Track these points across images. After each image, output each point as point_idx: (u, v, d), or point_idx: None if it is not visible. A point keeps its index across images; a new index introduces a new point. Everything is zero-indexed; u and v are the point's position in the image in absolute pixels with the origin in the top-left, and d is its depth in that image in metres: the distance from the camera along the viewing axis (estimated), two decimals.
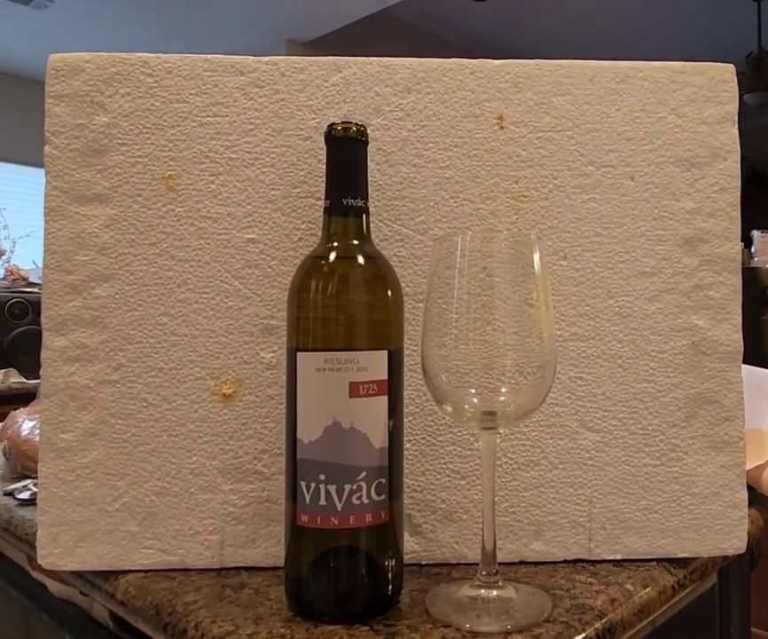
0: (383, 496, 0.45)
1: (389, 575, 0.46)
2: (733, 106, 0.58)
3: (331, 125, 0.48)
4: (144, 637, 0.52)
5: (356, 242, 0.48)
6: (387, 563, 0.46)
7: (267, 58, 0.56)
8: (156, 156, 0.55)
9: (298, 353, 0.46)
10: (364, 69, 0.56)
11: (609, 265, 0.56)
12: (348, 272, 0.48)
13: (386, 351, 0.46)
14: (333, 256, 0.48)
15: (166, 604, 0.47)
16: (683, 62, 0.58)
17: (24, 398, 2.00)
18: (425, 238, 0.56)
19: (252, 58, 0.56)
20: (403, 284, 0.55)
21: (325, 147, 0.49)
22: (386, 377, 0.46)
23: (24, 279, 2.38)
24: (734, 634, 0.73)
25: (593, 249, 0.56)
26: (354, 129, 0.48)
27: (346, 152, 0.48)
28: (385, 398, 0.46)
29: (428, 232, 0.56)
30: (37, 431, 0.82)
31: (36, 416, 0.85)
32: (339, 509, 0.44)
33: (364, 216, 0.48)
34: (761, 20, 4.18)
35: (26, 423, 0.83)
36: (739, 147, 0.58)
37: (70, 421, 0.53)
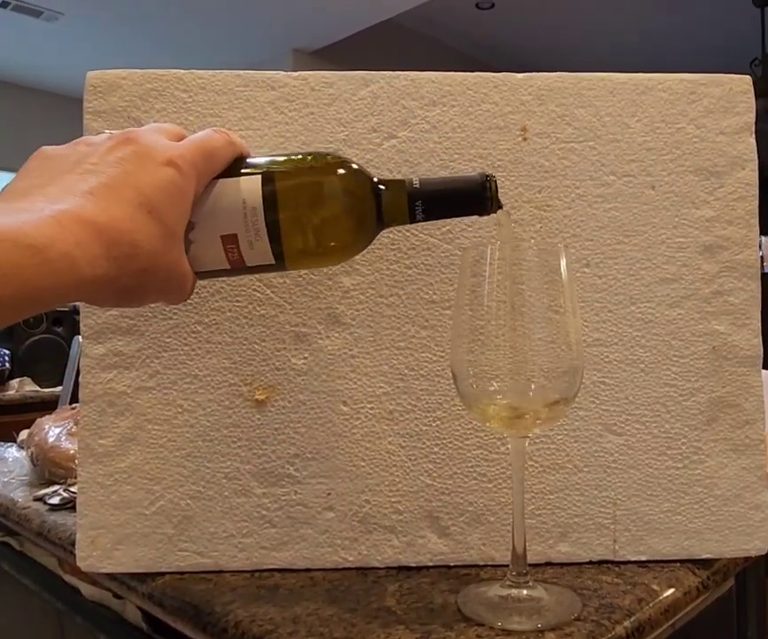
0: None
1: None
2: (751, 117, 0.59)
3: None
4: (177, 637, 0.53)
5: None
6: None
7: (297, 73, 0.58)
8: None
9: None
10: (391, 83, 0.58)
11: (631, 272, 0.58)
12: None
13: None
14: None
15: (204, 605, 0.49)
16: (701, 74, 0.60)
17: (39, 406, 2.03)
18: (451, 246, 0.57)
19: (282, 73, 0.58)
20: (430, 292, 0.57)
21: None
22: None
23: None
24: (752, 637, 0.74)
25: (615, 257, 0.58)
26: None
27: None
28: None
29: (454, 241, 0.57)
30: (64, 438, 0.84)
31: (62, 423, 0.87)
32: None
33: None
34: (765, 26, 4.20)
35: (52, 430, 0.85)
36: (756, 157, 0.59)
37: (108, 426, 0.55)
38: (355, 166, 0.47)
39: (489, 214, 0.50)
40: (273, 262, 0.45)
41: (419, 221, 0.48)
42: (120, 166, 0.38)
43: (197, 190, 0.42)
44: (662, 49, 4.58)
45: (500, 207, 0.49)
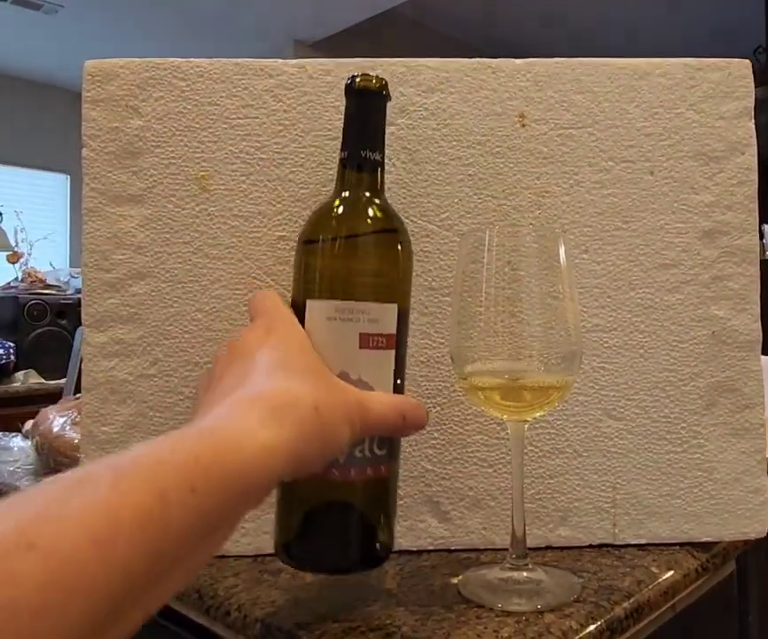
0: (384, 451, 0.45)
1: (385, 529, 0.47)
2: (750, 101, 0.59)
3: (353, 76, 0.48)
4: (181, 621, 0.53)
5: (368, 194, 0.47)
6: (382, 517, 0.46)
7: (294, 60, 0.58)
8: (189, 158, 0.57)
9: (307, 302, 0.45)
10: (389, 70, 0.58)
11: (630, 258, 0.58)
12: (364, 223, 0.47)
13: (395, 306, 0.46)
14: (348, 205, 0.47)
15: (208, 589, 0.49)
16: (700, 58, 0.60)
17: (44, 398, 2.04)
18: (450, 233, 0.57)
19: (280, 61, 0.58)
20: (429, 279, 0.57)
21: (345, 100, 0.48)
22: (394, 332, 0.46)
23: (41, 281, 2.41)
24: (753, 621, 0.74)
25: (614, 243, 0.58)
26: (374, 81, 0.47)
27: (366, 104, 0.47)
28: (392, 353, 0.46)
29: (453, 227, 0.57)
30: (68, 427, 0.84)
31: (67, 413, 0.87)
32: (340, 462, 0.43)
33: (379, 170, 0.48)
34: None
35: (57, 420, 0.85)
36: (755, 141, 0.59)
37: (110, 414, 0.55)
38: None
39: None
40: None
41: None
42: None
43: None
44: (664, 37, 4.56)
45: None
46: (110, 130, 0.56)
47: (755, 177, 0.59)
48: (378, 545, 0.46)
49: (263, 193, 0.57)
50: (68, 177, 5.07)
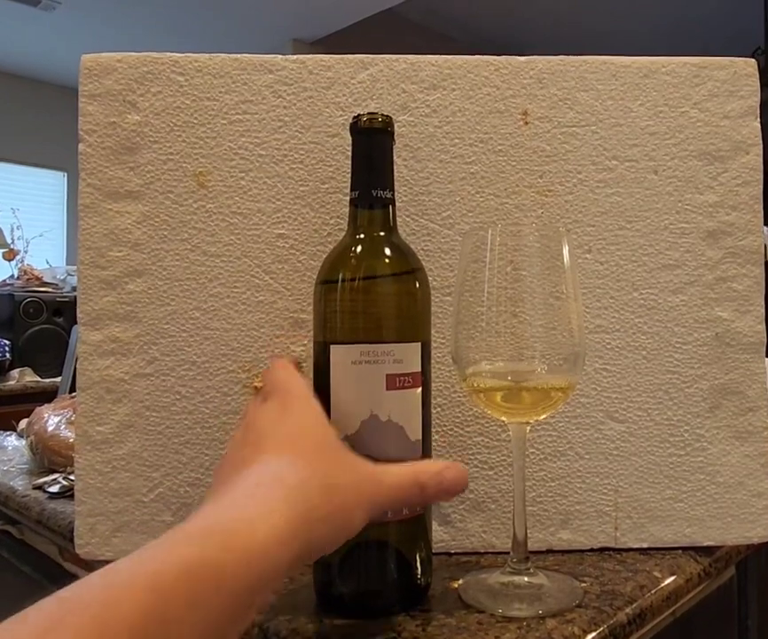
0: None
1: (422, 567, 0.47)
2: (755, 100, 0.59)
3: (357, 116, 0.48)
4: None
5: (383, 233, 0.48)
6: (419, 555, 0.47)
7: (294, 56, 0.57)
8: (187, 153, 0.56)
9: (331, 346, 0.46)
10: (391, 66, 0.57)
11: (634, 258, 0.57)
12: (383, 264, 0.48)
13: (419, 344, 0.47)
14: (364, 247, 0.48)
15: None
16: (704, 57, 0.59)
17: (39, 396, 2.03)
18: (451, 232, 0.57)
19: (280, 56, 0.57)
20: (430, 278, 0.56)
21: (351, 140, 0.49)
22: (419, 369, 0.47)
23: (38, 279, 2.40)
24: (752, 625, 0.73)
25: (618, 243, 0.57)
26: (380, 119, 0.48)
27: (373, 142, 0.48)
28: (419, 390, 0.46)
29: (455, 226, 0.57)
30: (63, 426, 0.83)
31: (62, 412, 0.87)
32: None
33: (390, 207, 0.49)
34: None
35: (51, 419, 0.85)
36: (761, 141, 0.59)
37: (106, 413, 0.54)
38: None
39: None
40: None
41: None
42: None
43: None
44: (664, 38, 4.56)
45: None
46: (107, 125, 0.56)
47: (760, 176, 0.58)
48: (417, 582, 0.47)
49: (262, 190, 0.56)
50: (65, 174, 5.05)
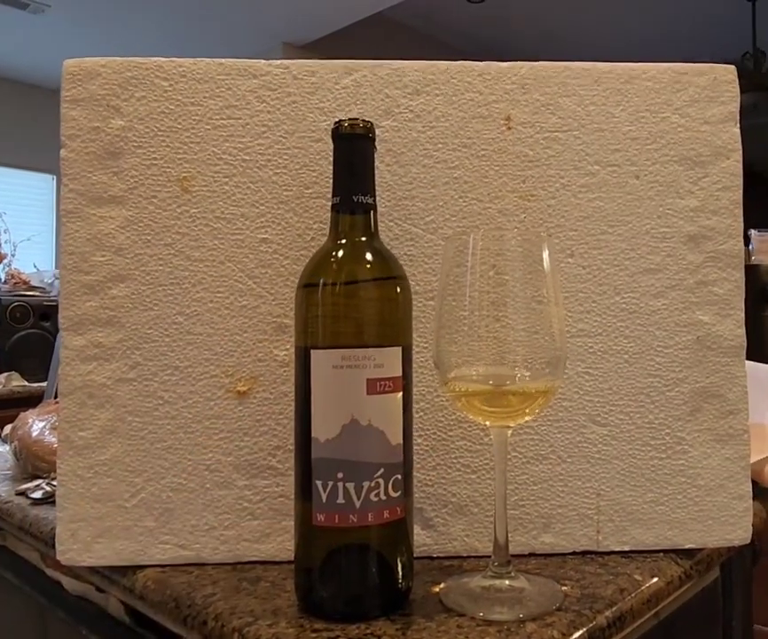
0: (399, 492, 0.46)
1: (404, 570, 0.47)
2: (735, 106, 0.59)
3: (338, 122, 0.48)
4: (160, 631, 0.53)
5: (365, 239, 0.48)
6: (400, 558, 0.47)
7: (279, 61, 0.57)
8: (171, 159, 0.56)
9: (312, 351, 0.46)
10: (375, 72, 0.57)
11: (615, 263, 0.58)
12: (364, 270, 0.48)
13: (400, 348, 0.47)
14: (345, 252, 0.48)
15: (185, 597, 0.48)
16: (685, 63, 0.60)
17: (26, 401, 2.01)
18: (434, 237, 0.57)
19: (263, 61, 0.57)
20: (413, 282, 0.56)
21: (333, 146, 0.49)
22: (400, 374, 0.47)
23: (25, 282, 2.38)
24: (737, 627, 0.74)
25: (600, 247, 0.58)
26: (361, 125, 0.48)
27: (354, 148, 0.48)
28: (400, 395, 0.47)
29: (438, 231, 0.57)
30: (47, 432, 0.83)
31: (46, 417, 0.86)
32: (357, 507, 0.44)
33: (372, 212, 0.49)
34: (755, 20, 4.21)
35: (36, 424, 0.84)
36: (740, 146, 0.59)
37: (88, 418, 0.54)
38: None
39: None
40: None
41: None
42: None
43: None
44: (651, 44, 4.59)
45: None
46: (90, 129, 0.55)
47: (740, 182, 0.59)
48: (398, 586, 0.47)
49: (246, 195, 0.56)
50: (54, 177, 5.02)
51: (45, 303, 2.27)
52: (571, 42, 4.64)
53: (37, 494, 0.72)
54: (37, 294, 2.33)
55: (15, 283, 2.37)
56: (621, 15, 4.48)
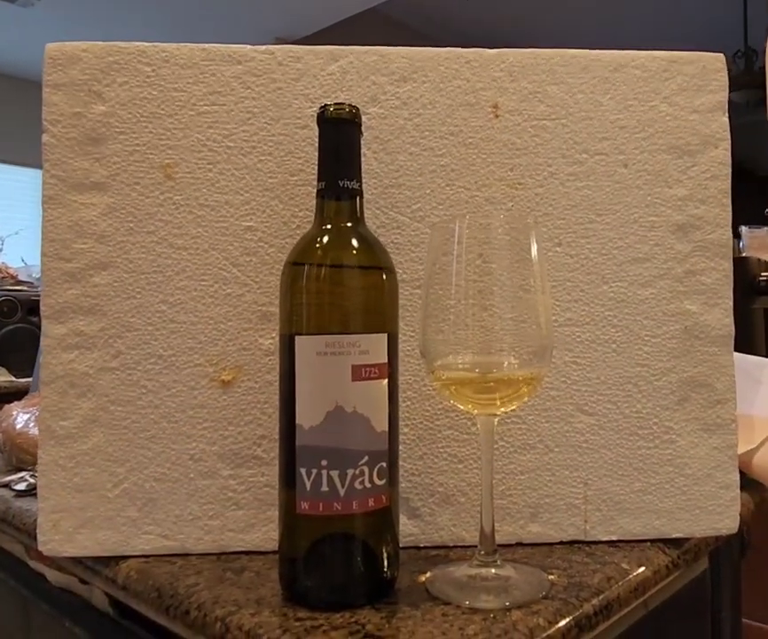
0: (384, 480, 0.45)
1: (389, 559, 0.47)
2: (724, 95, 0.59)
3: (324, 106, 0.48)
4: (145, 622, 0.52)
5: (350, 225, 0.48)
6: (385, 547, 0.47)
7: (264, 47, 0.56)
8: (154, 145, 0.55)
9: (296, 337, 0.45)
10: (361, 58, 0.57)
11: (603, 252, 0.57)
12: (349, 255, 0.47)
13: (385, 335, 0.47)
14: (331, 238, 0.47)
15: (168, 587, 0.48)
16: (674, 52, 0.59)
17: (14, 396, 1.98)
18: (421, 225, 0.56)
19: (249, 46, 0.56)
20: (400, 270, 0.56)
21: (318, 131, 0.49)
22: (386, 360, 0.46)
23: (13, 277, 2.36)
24: (725, 618, 0.74)
25: (587, 236, 0.57)
26: (347, 109, 0.48)
27: (340, 133, 0.48)
28: (385, 382, 0.46)
29: (425, 219, 0.56)
30: (32, 424, 0.82)
31: (31, 410, 0.85)
32: (341, 495, 0.44)
33: (358, 198, 0.48)
34: (747, 17, 4.22)
35: (20, 416, 0.83)
36: (729, 136, 0.59)
37: (70, 408, 0.53)
38: None
39: None
40: None
41: None
42: None
43: None
44: (643, 43, 4.60)
45: None
46: (72, 115, 0.55)
47: (728, 171, 0.58)
48: (383, 575, 0.46)
49: (230, 182, 0.55)
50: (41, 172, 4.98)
51: (33, 297, 2.24)
52: (561, 40, 4.63)
53: (21, 486, 0.71)
54: (25, 288, 2.31)
55: (2, 277, 2.35)
56: (612, 15, 4.48)
